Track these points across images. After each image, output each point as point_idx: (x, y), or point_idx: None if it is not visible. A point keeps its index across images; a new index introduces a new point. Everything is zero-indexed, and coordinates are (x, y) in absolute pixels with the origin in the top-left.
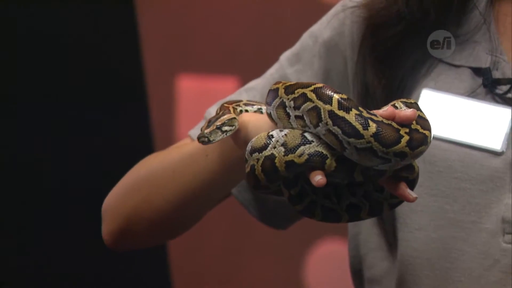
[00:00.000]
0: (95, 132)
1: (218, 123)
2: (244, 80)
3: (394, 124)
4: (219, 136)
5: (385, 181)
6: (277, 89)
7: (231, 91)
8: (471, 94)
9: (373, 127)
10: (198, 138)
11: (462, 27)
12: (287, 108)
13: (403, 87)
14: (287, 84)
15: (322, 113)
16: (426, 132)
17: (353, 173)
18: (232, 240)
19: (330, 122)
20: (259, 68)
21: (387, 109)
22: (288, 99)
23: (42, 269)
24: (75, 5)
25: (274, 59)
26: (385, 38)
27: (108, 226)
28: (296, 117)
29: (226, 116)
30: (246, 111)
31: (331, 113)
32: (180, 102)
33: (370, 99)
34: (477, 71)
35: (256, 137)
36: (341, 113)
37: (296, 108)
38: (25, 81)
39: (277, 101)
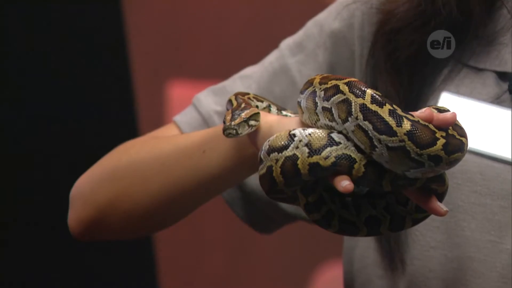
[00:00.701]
0: (78, 142)
1: (244, 116)
2: None
3: (431, 126)
4: (246, 130)
5: (413, 193)
6: (314, 79)
7: None
8: (495, 100)
9: (407, 124)
10: (224, 130)
11: (487, 28)
12: (316, 98)
13: (420, 94)
14: (324, 75)
15: (353, 106)
16: (463, 139)
17: (382, 181)
18: (231, 265)
19: (361, 116)
20: None
21: (424, 111)
22: (320, 88)
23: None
24: (57, 4)
25: None
26: (405, 44)
27: (77, 214)
28: (324, 109)
29: (251, 110)
30: (257, 107)
31: (363, 107)
32: (171, 110)
33: None
34: (502, 75)
35: (275, 135)
36: (373, 107)
37: (326, 99)
38: (9, 80)
39: (309, 90)
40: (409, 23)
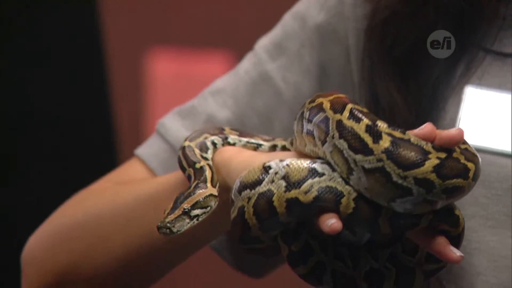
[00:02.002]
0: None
1: (186, 205)
2: (239, 55)
3: (426, 145)
4: (186, 225)
5: (419, 235)
6: (314, 98)
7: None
8: None
9: (386, 141)
10: (158, 229)
11: (508, 7)
12: (303, 120)
13: (436, 95)
14: (326, 94)
15: (330, 124)
16: (469, 164)
17: (378, 220)
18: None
19: (336, 134)
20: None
21: (424, 127)
22: (307, 108)
23: None
24: None
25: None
26: (402, 36)
27: (31, 283)
28: (308, 132)
29: (198, 194)
30: (233, 144)
31: (339, 124)
32: (151, 86)
33: (383, 112)
34: None
35: (248, 170)
36: (349, 122)
37: (309, 120)
38: None
39: (300, 111)
40: (398, 10)
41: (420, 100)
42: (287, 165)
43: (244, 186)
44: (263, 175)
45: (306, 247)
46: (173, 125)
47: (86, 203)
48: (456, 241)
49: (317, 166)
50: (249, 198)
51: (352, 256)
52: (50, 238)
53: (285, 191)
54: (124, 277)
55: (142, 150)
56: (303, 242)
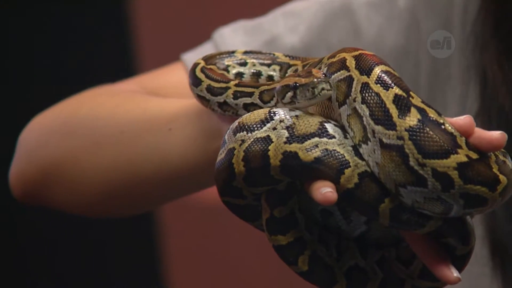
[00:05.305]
0: None
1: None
2: None
3: (460, 139)
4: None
5: (419, 241)
6: (338, 52)
7: None
8: None
9: (413, 118)
10: (317, 84)
11: None
12: None
13: None
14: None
15: (354, 85)
16: (501, 176)
17: (379, 206)
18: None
19: (359, 98)
20: None
21: (464, 118)
22: (325, 64)
23: None
24: None
25: None
26: None
27: (19, 168)
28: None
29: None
30: (239, 75)
31: (364, 87)
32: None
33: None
34: None
35: (252, 111)
36: (376, 88)
37: (327, 76)
38: None
39: (318, 67)
40: None
41: None
42: (297, 116)
43: (241, 128)
44: (267, 120)
45: (290, 216)
46: (233, 38)
47: (91, 102)
48: (461, 262)
49: (329, 126)
50: (243, 141)
51: (339, 246)
52: (47, 124)
53: (285, 142)
54: (108, 194)
55: (190, 55)
56: (289, 210)
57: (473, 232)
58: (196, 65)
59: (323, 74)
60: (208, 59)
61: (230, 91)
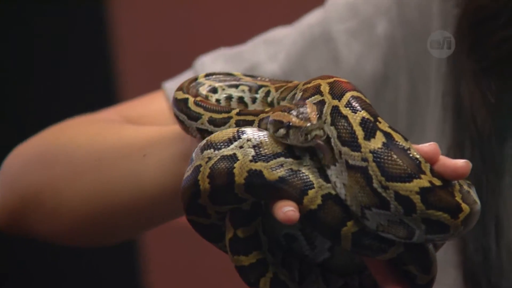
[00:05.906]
0: None
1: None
2: None
3: (425, 165)
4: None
5: (380, 268)
6: (310, 81)
7: None
8: None
9: (379, 141)
10: (308, 132)
11: None
12: (293, 102)
13: None
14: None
15: (325, 108)
16: (463, 205)
17: (340, 230)
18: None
19: (328, 120)
20: None
21: (429, 145)
22: (300, 89)
23: None
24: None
25: None
26: (495, 41)
27: (1, 195)
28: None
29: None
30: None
31: (334, 109)
32: None
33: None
34: None
35: (221, 130)
36: (346, 111)
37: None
38: None
39: (291, 93)
40: (495, 14)
41: (506, 98)
42: (264, 136)
43: (208, 145)
44: (234, 138)
45: (254, 237)
46: (213, 66)
47: (71, 131)
48: None
49: (297, 149)
50: (209, 159)
51: (301, 270)
52: (27, 154)
53: (250, 161)
54: (87, 221)
55: (171, 84)
56: (253, 231)
57: (435, 262)
58: (183, 100)
59: (317, 114)
60: (186, 90)
61: (232, 121)
